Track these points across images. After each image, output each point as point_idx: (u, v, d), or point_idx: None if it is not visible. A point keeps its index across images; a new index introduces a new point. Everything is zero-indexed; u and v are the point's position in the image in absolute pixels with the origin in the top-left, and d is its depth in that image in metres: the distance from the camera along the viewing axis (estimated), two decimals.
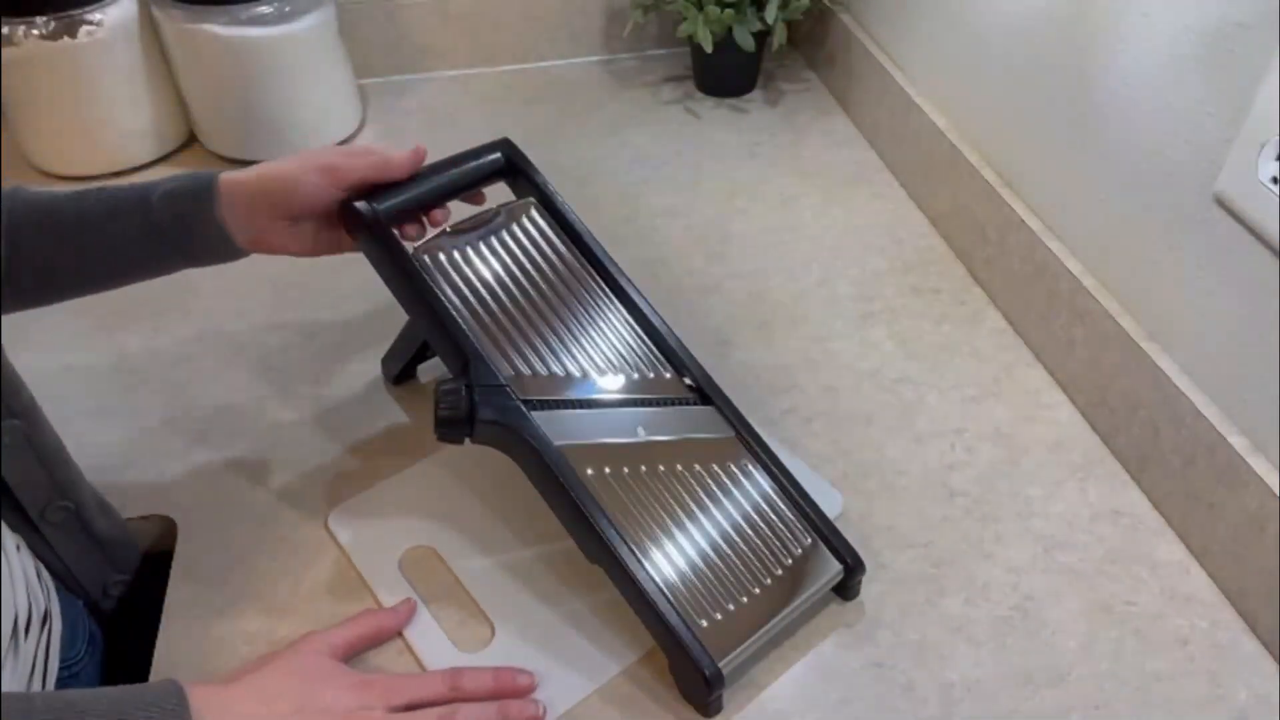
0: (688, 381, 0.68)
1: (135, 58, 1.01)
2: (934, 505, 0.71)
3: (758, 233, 0.97)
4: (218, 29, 0.97)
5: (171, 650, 0.62)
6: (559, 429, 0.61)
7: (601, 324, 0.68)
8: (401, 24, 1.18)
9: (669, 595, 0.58)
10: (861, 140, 1.10)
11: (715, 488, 0.64)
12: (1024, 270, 0.82)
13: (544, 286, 0.68)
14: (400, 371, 0.78)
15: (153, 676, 0.60)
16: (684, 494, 0.63)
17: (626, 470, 0.62)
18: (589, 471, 0.61)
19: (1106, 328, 0.73)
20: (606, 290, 0.70)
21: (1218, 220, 0.62)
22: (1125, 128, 0.70)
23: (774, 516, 0.64)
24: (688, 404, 0.68)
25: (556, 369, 0.65)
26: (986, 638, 0.63)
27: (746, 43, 1.09)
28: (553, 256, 0.70)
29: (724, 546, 0.61)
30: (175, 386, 0.80)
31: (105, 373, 0.81)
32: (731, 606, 0.59)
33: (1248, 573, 0.63)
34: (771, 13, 1.08)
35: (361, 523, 0.68)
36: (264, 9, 0.97)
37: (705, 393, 0.68)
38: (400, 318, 0.69)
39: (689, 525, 0.61)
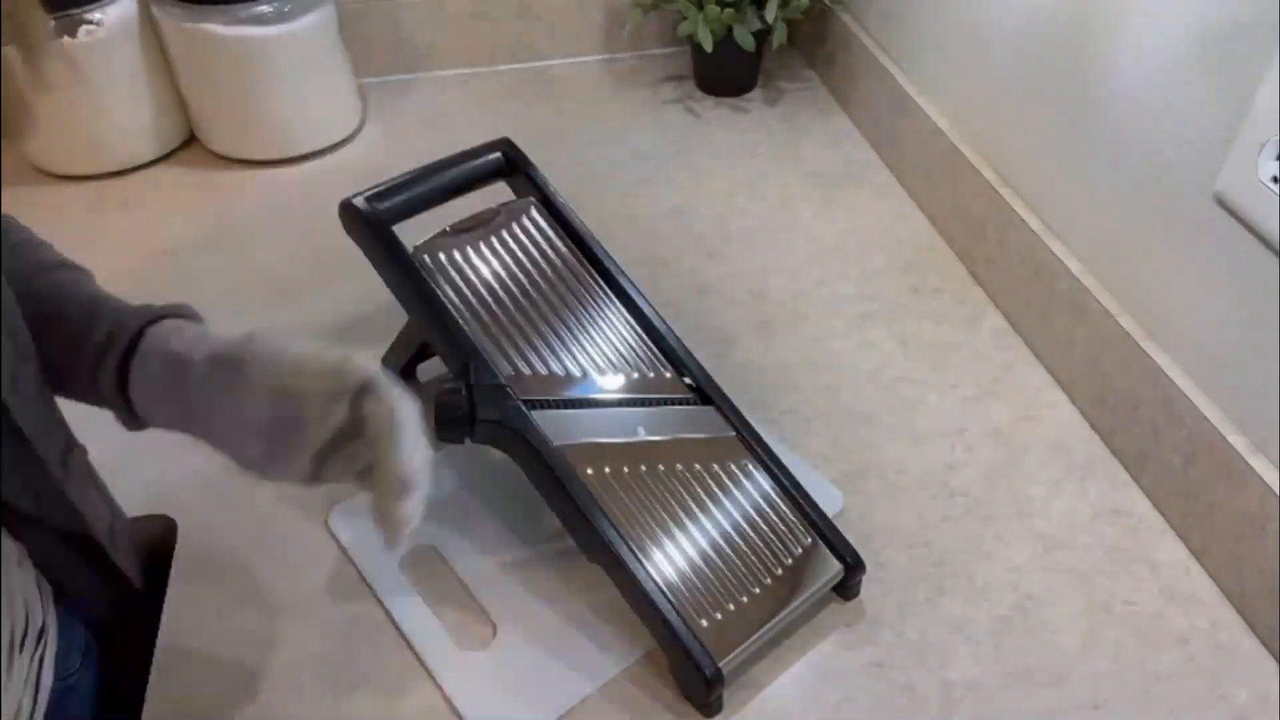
0: (688, 381, 0.68)
1: (135, 57, 1.01)
2: (934, 505, 0.71)
3: (758, 232, 0.97)
4: (218, 29, 0.97)
5: (171, 650, 0.62)
6: (559, 428, 0.61)
7: (601, 324, 0.68)
8: (401, 24, 1.18)
9: (669, 595, 0.58)
10: (861, 140, 1.10)
11: (715, 488, 0.64)
12: (1024, 270, 0.82)
13: (544, 286, 0.68)
14: (400, 371, 0.78)
15: (153, 677, 0.60)
16: (684, 494, 0.63)
17: (626, 470, 0.62)
18: (589, 471, 0.61)
19: (1106, 328, 0.73)
20: (606, 290, 0.70)
21: (1218, 220, 0.62)
22: (1125, 127, 0.70)
23: (774, 516, 0.64)
24: (688, 404, 0.68)
25: (556, 369, 0.65)
26: (986, 638, 0.63)
27: (746, 42, 1.09)
28: (553, 256, 0.70)
29: (724, 546, 0.61)
30: None
31: None
32: (731, 606, 0.59)
33: (1248, 573, 0.63)
34: (771, 12, 1.08)
35: (362, 522, 0.68)
36: (264, 9, 0.97)
37: (705, 392, 0.68)
38: (400, 317, 0.69)
39: (689, 525, 0.61)
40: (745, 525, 0.63)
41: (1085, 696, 0.60)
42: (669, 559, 0.60)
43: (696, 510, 0.62)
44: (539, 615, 0.63)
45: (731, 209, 1.00)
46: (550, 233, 0.70)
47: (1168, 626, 0.63)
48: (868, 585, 0.65)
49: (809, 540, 0.63)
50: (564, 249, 0.70)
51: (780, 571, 0.61)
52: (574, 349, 0.66)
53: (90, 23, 0.96)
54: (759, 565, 0.61)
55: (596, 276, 0.70)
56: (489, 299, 0.66)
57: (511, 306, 0.66)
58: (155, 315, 0.54)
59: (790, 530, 0.63)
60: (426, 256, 0.66)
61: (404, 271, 0.64)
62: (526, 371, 0.64)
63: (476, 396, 0.60)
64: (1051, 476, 0.73)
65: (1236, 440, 0.62)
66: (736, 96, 1.18)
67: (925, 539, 0.68)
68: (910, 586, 0.65)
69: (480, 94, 1.19)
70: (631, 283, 0.70)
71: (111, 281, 0.57)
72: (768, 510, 0.64)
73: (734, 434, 0.67)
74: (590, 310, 0.68)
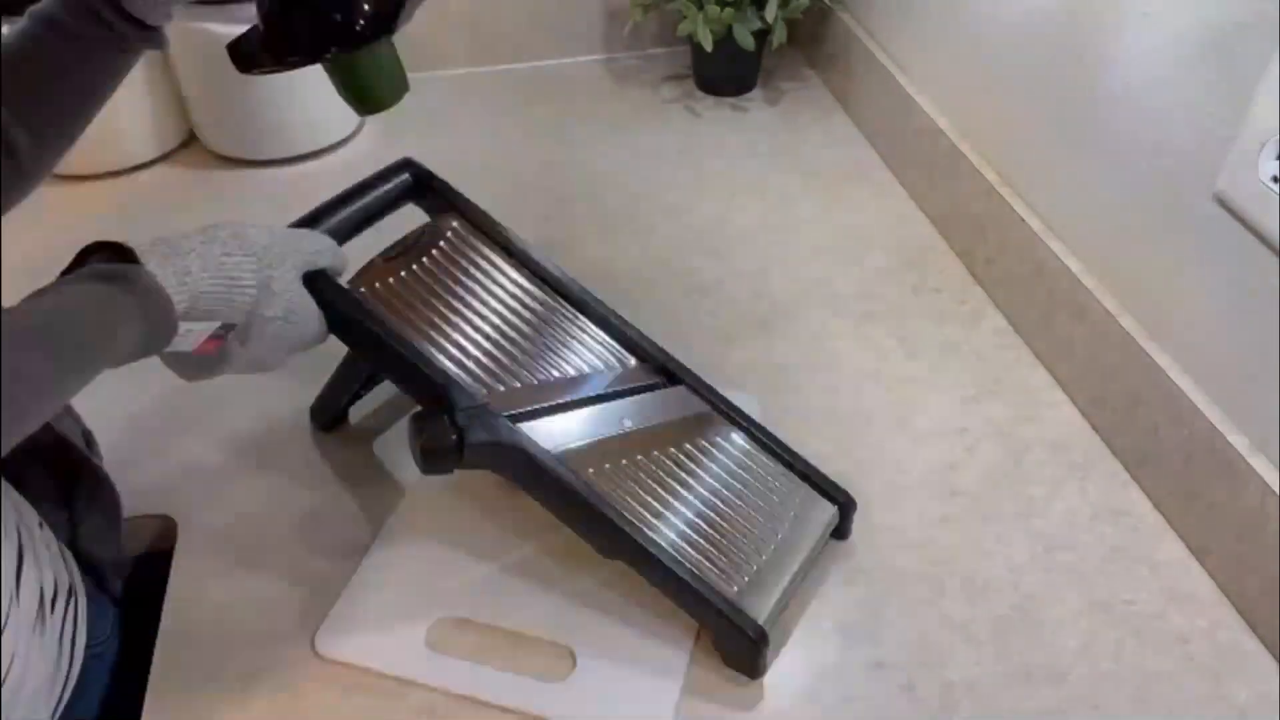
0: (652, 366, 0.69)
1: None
2: (934, 505, 0.71)
3: (758, 231, 0.97)
4: (218, 29, 0.97)
5: (171, 649, 0.62)
6: (548, 436, 0.61)
7: (554, 326, 0.68)
8: None
9: (697, 572, 0.59)
10: (861, 139, 1.10)
11: (708, 461, 0.65)
12: (1024, 270, 0.82)
13: (488, 299, 0.67)
14: (333, 418, 0.75)
15: (153, 676, 0.60)
16: (681, 473, 0.64)
17: (624, 462, 0.62)
18: (590, 471, 0.61)
19: (1106, 327, 0.73)
20: (552, 292, 0.69)
21: (1218, 220, 0.62)
22: (1125, 127, 0.70)
23: (764, 474, 0.66)
24: (660, 387, 0.69)
25: (527, 379, 0.64)
26: (986, 637, 0.63)
27: (746, 41, 1.09)
28: (487, 267, 0.68)
29: (731, 513, 0.63)
30: (176, 385, 0.80)
31: (105, 372, 0.81)
32: (754, 567, 0.61)
33: (1248, 572, 0.63)
34: (771, 11, 1.08)
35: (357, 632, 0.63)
36: None
37: (671, 372, 0.69)
38: (328, 355, 0.66)
39: (695, 501, 0.63)
40: (745, 489, 0.64)
41: (1085, 696, 0.60)
42: (685, 538, 0.60)
43: (696, 486, 0.63)
44: (607, 632, 0.61)
45: (731, 208, 1.00)
46: (480, 245, 0.69)
47: (1168, 626, 0.63)
48: (869, 585, 0.65)
49: (802, 490, 0.66)
50: (497, 259, 0.69)
51: (787, 525, 0.63)
52: (536, 357, 0.65)
53: None
54: (766, 524, 0.63)
55: (537, 280, 0.69)
56: (439, 322, 0.64)
57: (464, 325, 0.64)
58: None
59: (783, 484, 0.66)
60: (364, 290, 0.63)
61: (351, 309, 0.60)
62: (499, 388, 0.62)
63: (462, 420, 0.57)
64: (1051, 476, 0.73)
65: (1236, 440, 0.62)
66: (736, 96, 1.18)
67: (925, 539, 0.68)
68: (910, 586, 0.65)
69: (480, 94, 1.19)
70: (573, 280, 0.69)
71: None
72: (757, 469, 0.66)
73: (709, 408, 0.68)
74: (539, 315, 0.67)
